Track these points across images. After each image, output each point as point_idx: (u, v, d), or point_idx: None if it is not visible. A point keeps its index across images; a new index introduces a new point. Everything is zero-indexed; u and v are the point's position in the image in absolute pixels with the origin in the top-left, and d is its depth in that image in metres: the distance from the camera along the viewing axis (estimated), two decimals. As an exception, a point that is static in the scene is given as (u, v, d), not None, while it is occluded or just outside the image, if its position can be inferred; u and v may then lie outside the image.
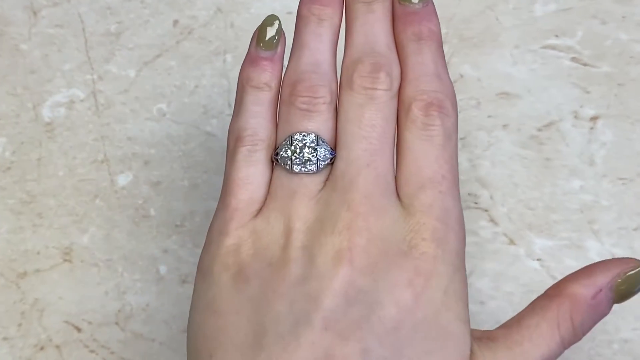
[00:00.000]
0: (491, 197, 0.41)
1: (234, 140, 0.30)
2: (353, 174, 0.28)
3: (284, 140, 0.29)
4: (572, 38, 0.44)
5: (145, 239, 0.41)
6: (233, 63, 0.44)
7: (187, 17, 0.44)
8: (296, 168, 0.29)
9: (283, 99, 0.30)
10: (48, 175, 0.42)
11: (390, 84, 0.29)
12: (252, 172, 0.29)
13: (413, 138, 0.29)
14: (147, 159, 0.42)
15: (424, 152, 0.28)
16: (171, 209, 0.42)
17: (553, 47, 0.44)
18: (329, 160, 0.29)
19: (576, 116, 0.42)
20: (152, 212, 0.41)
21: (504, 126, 0.42)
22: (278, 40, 0.31)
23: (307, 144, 0.29)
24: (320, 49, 0.30)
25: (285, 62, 0.31)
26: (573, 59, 0.43)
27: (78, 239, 0.41)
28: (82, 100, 0.43)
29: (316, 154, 0.29)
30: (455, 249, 0.27)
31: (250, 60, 0.31)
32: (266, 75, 0.30)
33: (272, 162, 0.30)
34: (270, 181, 0.29)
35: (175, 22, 0.44)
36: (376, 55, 0.29)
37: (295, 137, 0.29)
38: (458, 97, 0.36)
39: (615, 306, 0.29)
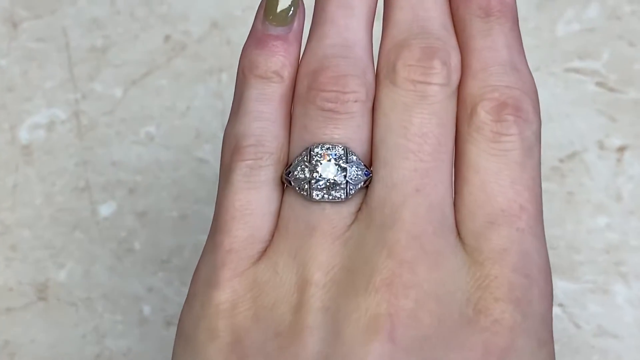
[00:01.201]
0: None
1: (230, 152, 0.23)
2: (396, 204, 0.22)
3: (300, 155, 0.23)
4: (597, 61, 0.42)
5: (128, 275, 0.40)
6: (229, 83, 0.42)
7: (180, 32, 0.43)
8: (316, 194, 0.22)
9: (299, 95, 0.23)
10: (24, 203, 0.40)
11: (448, 77, 0.23)
12: (255, 199, 0.23)
13: (479, 153, 0.22)
14: (132, 186, 0.41)
15: (495, 173, 0.22)
16: (157, 243, 0.40)
17: (576, 71, 0.42)
18: (362, 183, 0.23)
19: (601, 146, 0.40)
20: (137, 245, 0.40)
21: None
22: (294, 12, 0.24)
23: (333, 161, 0.22)
24: (351, 26, 0.23)
25: (304, 44, 0.24)
26: (598, 84, 0.41)
27: (54, 275, 0.39)
28: (63, 122, 0.42)
29: (345, 175, 0.22)
30: (540, 312, 0.21)
31: (255, 40, 0.24)
32: (277, 60, 0.23)
33: (283, 184, 0.23)
34: (280, 212, 0.23)
35: (167, 37, 0.43)
36: (428, 36, 0.23)
37: (316, 150, 0.22)
38: None
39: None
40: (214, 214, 0.24)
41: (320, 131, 0.23)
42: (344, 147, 0.23)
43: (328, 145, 0.23)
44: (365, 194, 0.23)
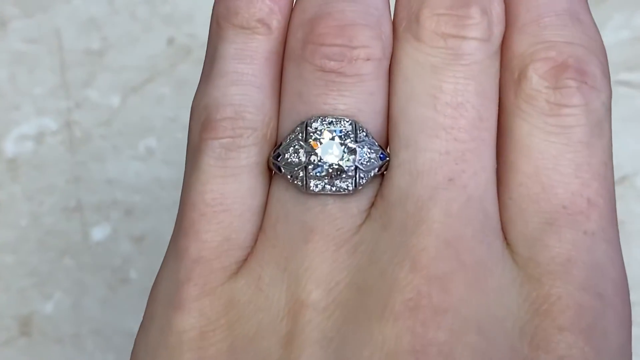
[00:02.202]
0: None
1: (198, 128, 0.19)
2: (423, 199, 0.18)
3: (293, 131, 0.19)
4: (649, 73, 0.41)
5: (122, 308, 0.38)
6: (238, 92, 0.40)
7: (185, 34, 0.42)
8: (315, 185, 0.18)
9: (292, 52, 0.19)
10: (7, 225, 0.39)
11: (489, 29, 0.19)
12: (231, 190, 0.19)
13: (532, 131, 0.18)
14: (129, 207, 0.40)
15: (554, 157, 0.18)
16: (156, 272, 0.37)
17: (625, 84, 0.40)
18: (376, 170, 0.19)
19: (655, 170, 0.39)
20: (133, 274, 0.39)
21: None
22: None
23: (337, 139, 0.18)
24: None
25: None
26: (650, 99, 0.40)
27: (40, 307, 0.38)
28: (53, 133, 0.41)
29: (353, 159, 0.18)
30: (617, 344, 0.18)
31: None
32: (262, 5, 0.19)
33: (270, 170, 0.19)
34: (266, 208, 0.19)
35: (170, 40, 0.42)
36: None
37: (314, 125, 0.18)
38: None
39: None
40: (178, 211, 0.20)
41: (320, 99, 0.19)
42: (352, 120, 0.18)
43: (331, 119, 0.18)
44: (381, 185, 0.19)
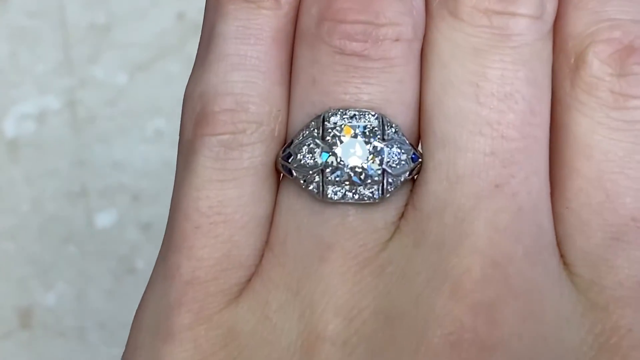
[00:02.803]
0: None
1: (192, 122, 0.17)
2: (464, 209, 0.16)
3: (307, 127, 0.17)
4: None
5: (128, 300, 0.35)
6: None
7: (196, 9, 0.40)
8: (334, 192, 0.16)
9: (305, 31, 0.17)
10: (7, 210, 0.38)
11: (541, 5, 0.16)
12: (232, 197, 0.17)
13: (593, 127, 0.16)
14: (136, 192, 0.40)
15: (621, 159, 0.16)
16: None
17: None
18: (407, 173, 0.17)
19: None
20: (140, 264, 0.39)
21: None
22: None
23: (361, 137, 0.16)
24: None
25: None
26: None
27: (41, 298, 0.37)
28: (56, 112, 0.40)
29: (381, 160, 0.16)
30: None
31: None
32: None
33: (279, 174, 0.17)
34: (273, 219, 0.17)
35: (181, 15, 0.41)
36: None
37: (333, 119, 0.16)
38: None
39: None
40: (168, 221, 0.18)
41: (340, 88, 0.16)
42: (378, 114, 0.16)
43: (353, 112, 0.16)
44: (412, 191, 0.17)
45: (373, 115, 0.16)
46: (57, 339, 0.37)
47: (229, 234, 0.17)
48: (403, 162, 0.16)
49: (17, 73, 0.40)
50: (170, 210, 0.18)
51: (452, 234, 0.16)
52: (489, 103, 0.16)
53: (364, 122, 0.16)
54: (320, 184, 0.16)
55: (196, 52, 0.19)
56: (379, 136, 0.16)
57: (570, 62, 0.17)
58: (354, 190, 0.16)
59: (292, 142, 0.17)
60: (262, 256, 0.17)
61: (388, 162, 0.16)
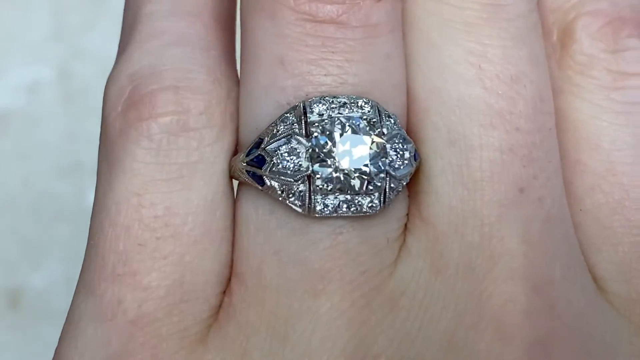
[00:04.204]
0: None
1: (119, 107, 0.14)
2: (489, 221, 0.13)
3: (282, 119, 0.13)
4: None
5: None
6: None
7: None
8: (324, 205, 0.13)
9: None
10: None
11: None
12: (179, 202, 0.14)
13: (594, 112, 0.14)
14: None
15: (632, 146, 0.14)
16: None
17: None
18: (409, 176, 0.14)
19: None
20: None
21: None
22: None
23: (356, 131, 0.13)
24: None
25: None
26: None
27: (29, 279, 0.36)
28: (49, 83, 0.39)
29: (383, 162, 0.13)
30: None
31: None
32: None
33: (231, 176, 0.14)
34: (236, 238, 0.14)
35: None
36: None
37: (317, 108, 0.13)
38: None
39: None
40: (92, 239, 0.14)
41: (318, 69, 0.13)
42: (372, 101, 0.13)
43: (343, 99, 0.13)
44: (411, 197, 0.14)
45: (367, 103, 0.13)
46: (46, 321, 0.36)
47: (179, 252, 0.13)
48: (406, 162, 0.13)
49: (8, 41, 0.39)
50: (94, 223, 0.14)
51: (481, 255, 0.13)
52: (496, 88, 0.14)
53: (358, 112, 0.13)
54: (307, 194, 0.13)
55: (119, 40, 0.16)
56: (378, 129, 0.13)
57: (552, 39, 0.15)
58: (349, 201, 0.13)
59: (260, 142, 0.13)
60: (227, 286, 0.14)
61: (391, 162, 0.13)
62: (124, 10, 0.16)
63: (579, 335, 0.13)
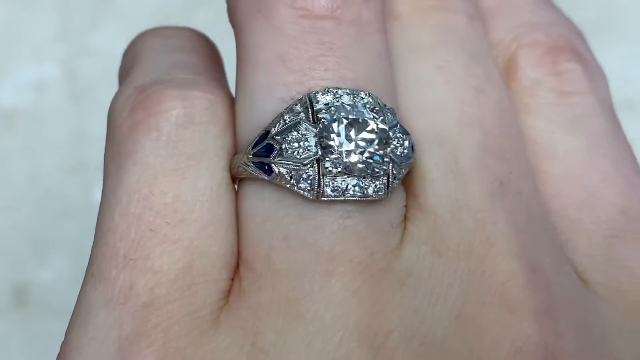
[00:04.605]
0: None
1: (126, 109, 0.15)
2: (482, 209, 0.14)
3: (290, 109, 0.14)
4: None
5: None
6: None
7: None
8: (333, 188, 0.13)
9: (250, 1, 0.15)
10: (2, 183, 0.37)
11: (473, 8, 0.17)
12: (188, 190, 0.14)
13: (547, 126, 0.16)
14: None
15: (585, 152, 0.16)
16: None
17: None
18: (409, 166, 0.14)
19: None
20: None
21: None
22: None
23: (363, 117, 0.14)
24: None
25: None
26: None
27: (37, 275, 0.36)
28: (55, 82, 0.39)
29: (387, 149, 0.14)
30: None
31: None
32: None
33: (232, 175, 0.15)
34: (241, 229, 0.14)
35: None
36: None
37: (322, 98, 0.14)
38: None
39: None
40: (102, 228, 0.14)
41: (318, 65, 0.14)
42: (370, 93, 0.14)
43: (346, 91, 0.14)
44: (407, 189, 0.15)
45: (368, 95, 0.14)
46: (53, 317, 0.35)
47: (188, 237, 0.14)
48: (406, 151, 0.14)
49: (15, 41, 0.39)
50: (104, 214, 0.14)
51: (478, 238, 0.14)
52: (463, 97, 0.15)
53: (362, 100, 0.14)
54: (316, 178, 0.13)
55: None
56: (382, 117, 0.13)
57: (501, 67, 0.16)
58: (356, 184, 0.13)
59: (266, 133, 0.14)
60: (235, 273, 0.14)
61: (394, 149, 0.14)
62: (124, 54, 0.17)
63: (576, 309, 0.14)
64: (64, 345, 0.14)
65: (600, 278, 0.15)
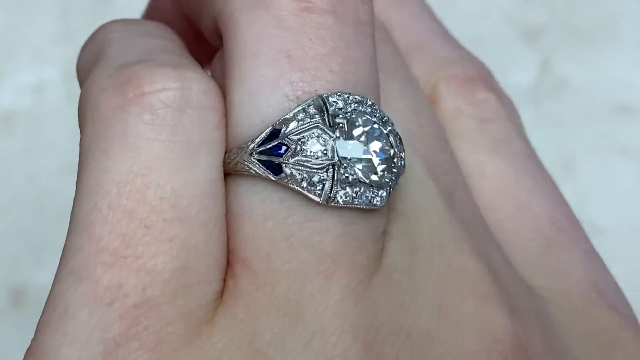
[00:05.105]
0: (603, 250, 0.34)
1: (105, 86, 0.14)
2: (442, 208, 0.15)
3: (304, 110, 0.13)
4: None
5: None
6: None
7: None
8: (344, 194, 0.13)
9: None
10: (1, 184, 0.37)
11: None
12: (186, 183, 0.13)
13: (473, 148, 0.17)
14: None
15: (508, 172, 0.17)
16: None
17: None
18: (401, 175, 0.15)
19: None
20: None
21: (622, 151, 0.37)
22: None
23: (376, 126, 0.14)
24: None
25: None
26: None
27: (34, 276, 0.36)
28: (54, 84, 0.38)
29: (393, 159, 0.14)
30: None
31: None
32: None
33: (227, 171, 0.14)
34: (236, 226, 0.14)
35: None
36: None
37: (335, 102, 0.13)
38: (558, 108, 0.33)
39: None
40: (82, 219, 0.13)
41: (323, 64, 0.14)
42: (374, 103, 0.14)
43: (356, 96, 0.14)
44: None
45: (372, 102, 0.14)
46: (51, 319, 0.35)
47: (185, 236, 0.13)
48: (403, 162, 0.14)
49: (14, 43, 0.39)
50: (85, 210, 0.13)
51: (448, 234, 0.14)
52: (403, 115, 0.16)
53: (368, 108, 0.13)
54: (329, 183, 0.13)
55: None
56: (389, 128, 0.14)
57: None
58: (364, 194, 0.13)
59: (276, 132, 0.13)
60: (227, 273, 0.13)
61: (398, 159, 0.14)
62: (83, 47, 0.16)
63: (533, 308, 0.15)
64: (35, 347, 0.13)
65: (543, 283, 0.16)
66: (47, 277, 0.33)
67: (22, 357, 0.34)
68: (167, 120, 0.13)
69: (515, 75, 0.37)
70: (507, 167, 0.17)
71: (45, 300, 0.29)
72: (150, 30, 0.15)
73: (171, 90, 0.13)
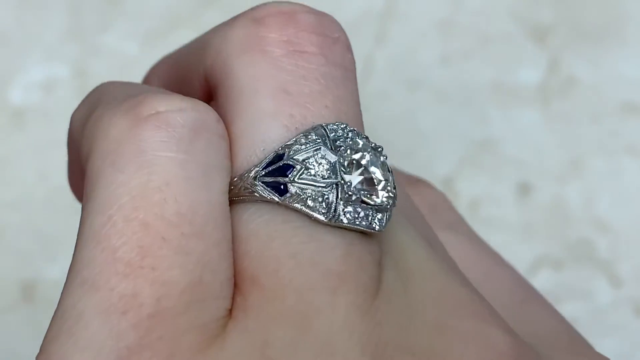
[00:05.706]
0: (612, 247, 0.35)
1: (120, 111, 0.14)
2: (415, 233, 0.16)
3: (306, 136, 0.14)
4: None
5: None
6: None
7: None
8: (348, 212, 0.14)
9: (243, 40, 0.15)
10: (12, 181, 0.37)
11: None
12: (202, 201, 0.14)
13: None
14: None
15: (468, 248, 0.21)
16: None
17: None
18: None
19: None
20: None
21: (630, 149, 0.37)
22: None
23: (373, 152, 0.14)
24: None
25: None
26: None
27: (45, 271, 0.36)
28: (65, 81, 0.38)
29: (389, 182, 0.14)
30: None
31: None
32: None
33: (231, 199, 0.15)
34: (242, 245, 0.14)
35: None
36: None
37: (335, 130, 0.14)
38: (566, 106, 0.34)
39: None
40: (92, 228, 0.14)
41: (317, 100, 0.15)
42: (367, 137, 0.15)
43: (352, 127, 0.14)
44: None
45: (365, 137, 0.15)
46: (61, 314, 0.35)
47: (201, 251, 0.13)
48: (395, 189, 0.14)
49: (24, 40, 0.39)
50: (98, 223, 0.13)
51: (435, 267, 0.15)
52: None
53: (365, 139, 0.14)
54: (333, 203, 0.14)
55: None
56: (383, 157, 0.14)
57: None
58: (365, 216, 0.14)
59: (280, 156, 0.14)
60: (236, 292, 0.14)
61: (391, 187, 0.14)
62: (73, 114, 0.17)
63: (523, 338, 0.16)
64: (42, 356, 0.13)
65: (523, 329, 0.16)
66: (58, 272, 0.35)
67: (32, 351, 0.33)
68: (184, 139, 0.13)
69: (523, 74, 0.37)
70: (466, 242, 0.19)
71: (55, 296, 0.29)
72: (144, 82, 0.17)
73: (188, 111, 0.14)
